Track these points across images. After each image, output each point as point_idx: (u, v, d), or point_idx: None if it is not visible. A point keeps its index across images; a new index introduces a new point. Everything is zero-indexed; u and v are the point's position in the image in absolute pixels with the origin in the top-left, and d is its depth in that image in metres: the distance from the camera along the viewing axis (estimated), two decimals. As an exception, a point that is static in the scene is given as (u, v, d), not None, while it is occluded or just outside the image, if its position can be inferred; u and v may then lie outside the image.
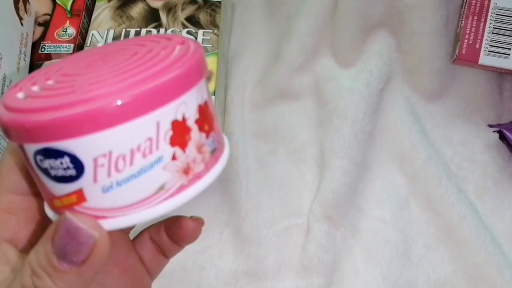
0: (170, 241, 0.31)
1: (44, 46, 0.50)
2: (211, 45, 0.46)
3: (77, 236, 0.21)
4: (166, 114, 0.20)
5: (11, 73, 0.44)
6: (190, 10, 0.48)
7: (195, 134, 0.22)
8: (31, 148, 0.21)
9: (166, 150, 0.21)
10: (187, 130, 0.21)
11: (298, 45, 0.51)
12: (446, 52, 0.50)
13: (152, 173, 0.21)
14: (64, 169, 0.20)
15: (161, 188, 0.21)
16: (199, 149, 0.22)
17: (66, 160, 0.20)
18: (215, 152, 0.23)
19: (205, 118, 0.22)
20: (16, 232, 0.25)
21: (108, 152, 0.20)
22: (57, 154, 0.20)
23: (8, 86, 0.44)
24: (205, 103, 0.23)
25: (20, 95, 0.21)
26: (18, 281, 0.22)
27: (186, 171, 0.22)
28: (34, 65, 0.49)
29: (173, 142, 0.21)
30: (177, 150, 0.21)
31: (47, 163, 0.20)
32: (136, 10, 0.48)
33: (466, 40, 0.47)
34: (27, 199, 0.25)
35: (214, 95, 0.43)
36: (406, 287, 0.43)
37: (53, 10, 0.52)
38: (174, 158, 0.21)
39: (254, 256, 0.44)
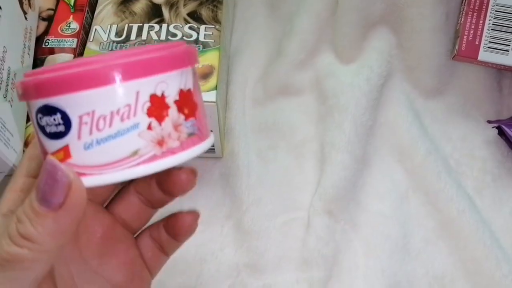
0: (169, 237, 0.31)
1: (47, 41, 0.50)
2: (213, 41, 0.46)
3: (54, 174, 0.22)
4: (145, 86, 0.23)
5: (16, 67, 0.45)
6: (192, 5, 0.49)
7: (173, 112, 0.24)
8: (34, 105, 0.24)
9: (143, 118, 0.23)
10: (165, 106, 0.24)
11: (299, 41, 0.52)
12: (446, 49, 0.50)
13: (128, 137, 0.23)
14: (56, 125, 0.23)
15: (135, 153, 0.23)
16: (176, 127, 0.24)
17: (58, 117, 0.23)
18: (193, 136, 0.25)
19: (185, 102, 0.25)
20: None
21: (91, 111, 0.23)
22: (51, 110, 0.23)
23: (12, 79, 0.44)
24: (189, 90, 0.25)
25: None
26: (5, 231, 0.23)
27: (160, 142, 0.24)
28: (37, 59, 0.49)
29: (150, 113, 0.23)
30: (153, 121, 0.23)
31: (44, 121, 0.23)
32: (139, 6, 0.49)
33: (465, 37, 0.47)
34: None
35: (216, 90, 0.43)
36: (405, 280, 0.43)
37: (56, 5, 0.52)
38: (149, 127, 0.23)
39: (254, 249, 0.44)
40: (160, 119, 0.24)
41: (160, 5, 0.49)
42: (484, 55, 0.47)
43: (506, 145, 0.48)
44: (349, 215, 0.46)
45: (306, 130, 0.50)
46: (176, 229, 0.31)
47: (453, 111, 0.51)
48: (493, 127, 0.48)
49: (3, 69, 0.43)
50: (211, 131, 0.28)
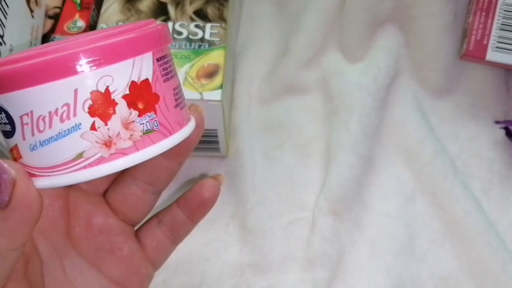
0: (184, 218, 0.30)
1: (54, 39, 0.50)
2: (218, 39, 0.46)
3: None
4: (84, 83, 0.21)
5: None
6: (198, 3, 0.49)
7: (121, 109, 0.22)
8: None
9: (85, 118, 0.21)
10: (111, 103, 0.22)
11: (306, 39, 0.52)
12: (454, 48, 0.50)
13: (70, 139, 0.22)
14: (3, 124, 0.22)
15: (80, 155, 0.22)
16: (126, 125, 0.22)
17: (2, 116, 0.22)
18: (152, 133, 0.23)
19: (139, 96, 0.22)
20: None
21: (30, 111, 0.21)
22: None
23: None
24: (145, 81, 0.22)
25: None
26: None
27: (107, 144, 0.22)
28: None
29: (93, 112, 0.21)
30: (97, 120, 0.22)
31: None
32: (145, 4, 0.49)
33: (473, 36, 0.47)
34: None
35: (221, 89, 0.43)
36: (410, 281, 0.43)
37: (63, 3, 0.52)
38: (93, 128, 0.22)
39: (259, 249, 0.44)
40: (105, 117, 0.22)
41: (166, 3, 0.49)
42: (492, 55, 0.46)
43: (514, 146, 0.48)
44: (354, 216, 0.45)
45: (312, 130, 0.50)
46: (198, 197, 0.30)
47: (461, 111, 0.50)
48: (500, 128, 0.48)
49: (9, 67, 0.43)
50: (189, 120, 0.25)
